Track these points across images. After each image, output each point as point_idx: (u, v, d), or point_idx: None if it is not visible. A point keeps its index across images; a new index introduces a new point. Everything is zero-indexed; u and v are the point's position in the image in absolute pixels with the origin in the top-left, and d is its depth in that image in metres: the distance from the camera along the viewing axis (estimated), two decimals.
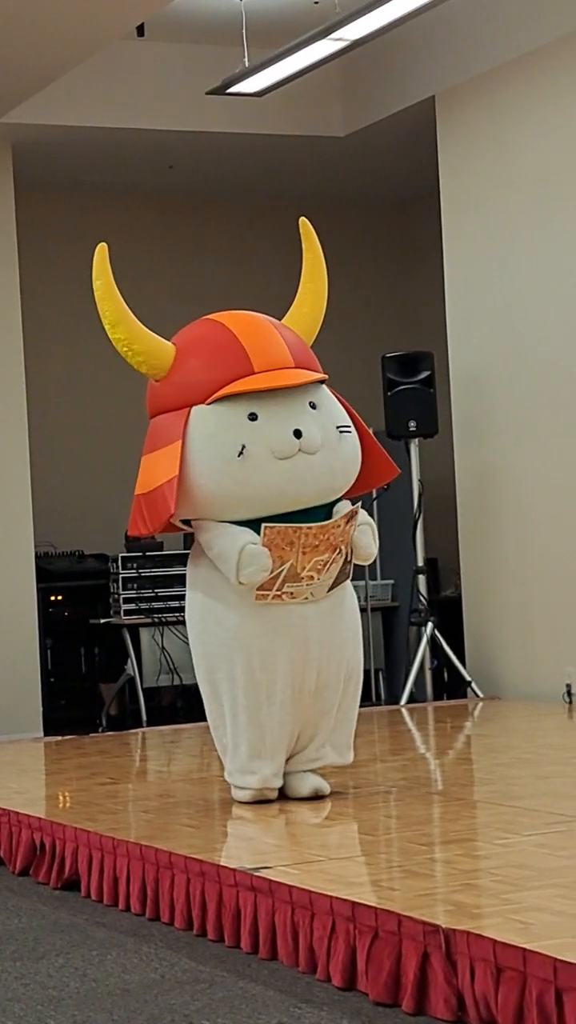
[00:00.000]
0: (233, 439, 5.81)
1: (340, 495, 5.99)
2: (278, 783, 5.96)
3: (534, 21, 9.30)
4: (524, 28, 9.37)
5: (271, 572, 5.77)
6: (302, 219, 6.55)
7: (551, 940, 3.58)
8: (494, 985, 3.55)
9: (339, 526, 5.84)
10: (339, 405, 6.08)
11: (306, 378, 5.90)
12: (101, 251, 6.29)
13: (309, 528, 5.78)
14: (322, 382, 6.04)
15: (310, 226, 6.54)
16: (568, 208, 9.17)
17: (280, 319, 6.33)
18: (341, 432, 5.92)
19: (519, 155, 9.55)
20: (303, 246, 6.52)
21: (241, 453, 5.78)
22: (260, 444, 5.78)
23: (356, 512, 5.90)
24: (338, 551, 5.85)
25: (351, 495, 6.12)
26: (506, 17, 9.49)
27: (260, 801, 5.91)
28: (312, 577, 5.83)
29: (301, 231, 6.53)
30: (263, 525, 5.77)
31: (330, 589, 5.92)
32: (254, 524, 5.80)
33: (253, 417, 5.82)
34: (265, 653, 5.87)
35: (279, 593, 5.83)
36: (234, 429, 5.82)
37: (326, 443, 5.86)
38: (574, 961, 3.36)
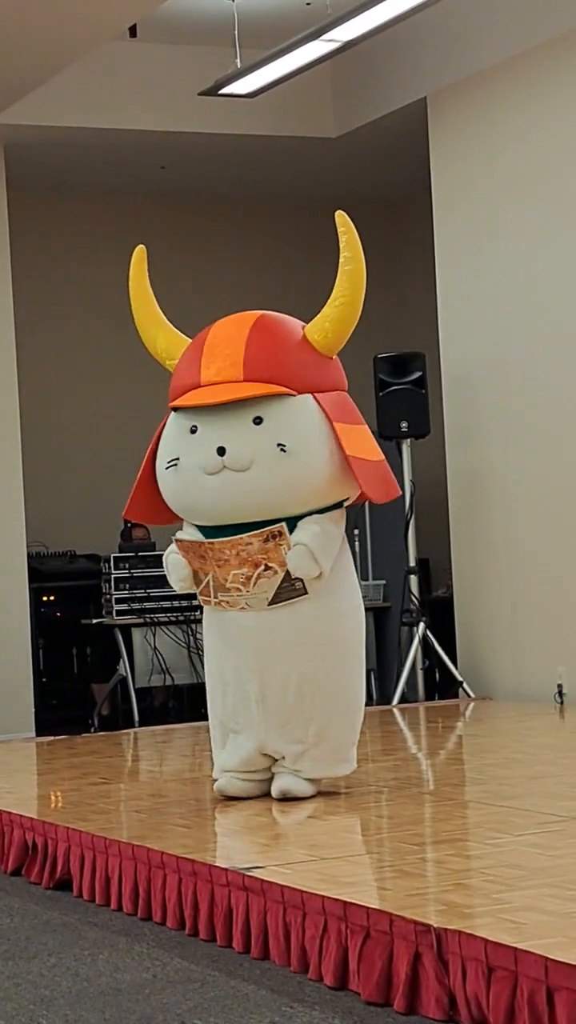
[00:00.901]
0: (171, 451, 5.98)
1: (300, 511, 5.89)
2: (237, 781, 6.07)
3: (524, 23, 9.31)
4: (514, 30, 9.39)
5: (202, 582, 5.94)
6: (339, 212, 6.59)
7: (542, 940, 3.59)
8: (486, 985, 3.56)
9: (250, 543, 5.84)
10: (299, 420, 5.89)
11: (232, 395, 5.84)
12: (139, 253, 6.51)
13: (212, 543, 5.88)
14: (288, 396, 5.91)
15: (347, 218, 6.60)
16: (559, 208, 9.18)
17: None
18: (278, 450, 5.85)
19: (510, 156, 9.56)
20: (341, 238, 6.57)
21: (172, 466, 5.95)
22: (191, 458, 5.90)
23: (277, 532, 5.85)
24: (264, 567, 5.87)
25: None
26: (497, 19, 9.51)
27: (226, 797, 6.07)
28: (239, 589, 5.90)
29: (339, 223, 6.61)
30: (174, 537, 6.06)
31: (275, 603, 5.92)
32: (209, 530, 5.95)
33: (194, 430, 5.92)
34: (217, 654, 6.14)
35: (218, 601, 5.97)
36: (175, 441, 5.99)
37: (259, 460, 5.82)
38: (565, 960, 3.37)
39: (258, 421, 5.85)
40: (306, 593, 5.92)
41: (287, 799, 5.96)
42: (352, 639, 6.13)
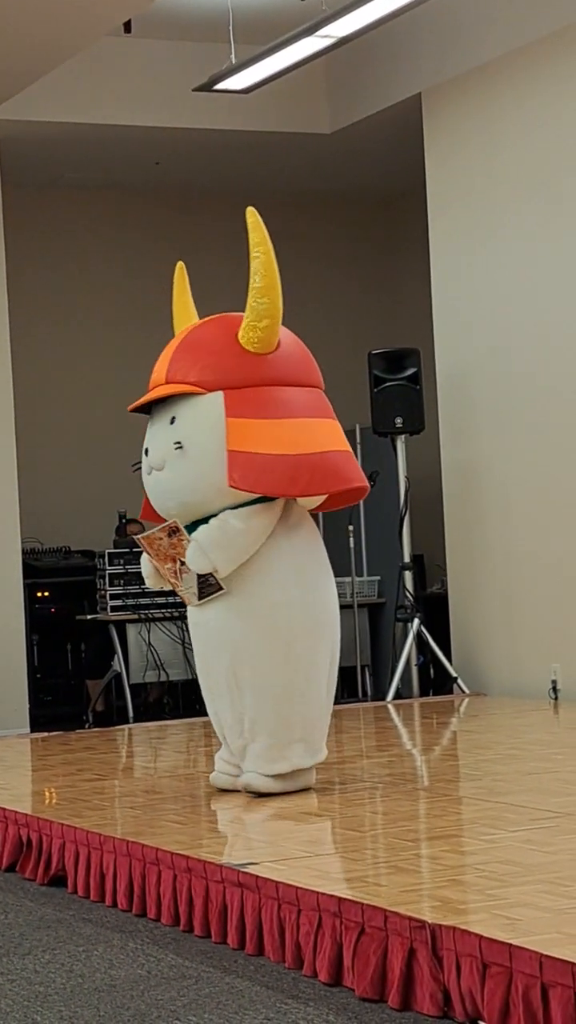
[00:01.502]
0: (140, 451, 6.26)
1: (215, 508, 5.97)
2: (221, 775, 6.21)
3: (520, 19, 9.31)
4: (510, 26, 9.38)
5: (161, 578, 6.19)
6: (249, 208, 6.51)
7: (537, 936, 3.59)
8: (480, 981, 3.56)
9: (160, 539, 6.05)
10: (201, 418, 5.98)
11: (148, 397, 6.11)
12: (180, 270, 6.64)
13: (139, 539, 6.16)
14: (200, 396, 6.02)
15: (257, 215, 6.52)
16: (554, 204, 9.18)
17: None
18: (175, 448, 5.98)
19: (505, 152, 9.56)
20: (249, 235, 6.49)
21: (135, 467, 6.30)
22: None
23: (174, 527, 6.00)
24: (180, 562, 6.02)
25: (323, 509, 6.30)
26: (492, 14, 9.50)
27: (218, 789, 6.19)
28: (175, 583, 6.10)
29: (249, 222, 6.51)
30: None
31: (202, 597, 6.04)
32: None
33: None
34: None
35: (179, 595, 6.22)
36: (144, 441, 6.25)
37: (168, 460, 6.02)
38: (560, 956, 3.38)
39: (172, 421, 6.04)
40: (222, 588, 5.99)
41: (256, 794, 5.98)
42: (284, 633, 6.00)
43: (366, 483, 6.18)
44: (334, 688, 6.19)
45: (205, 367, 6.03)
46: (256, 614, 6.01)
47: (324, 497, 6.18)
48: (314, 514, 6.48)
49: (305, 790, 6.05)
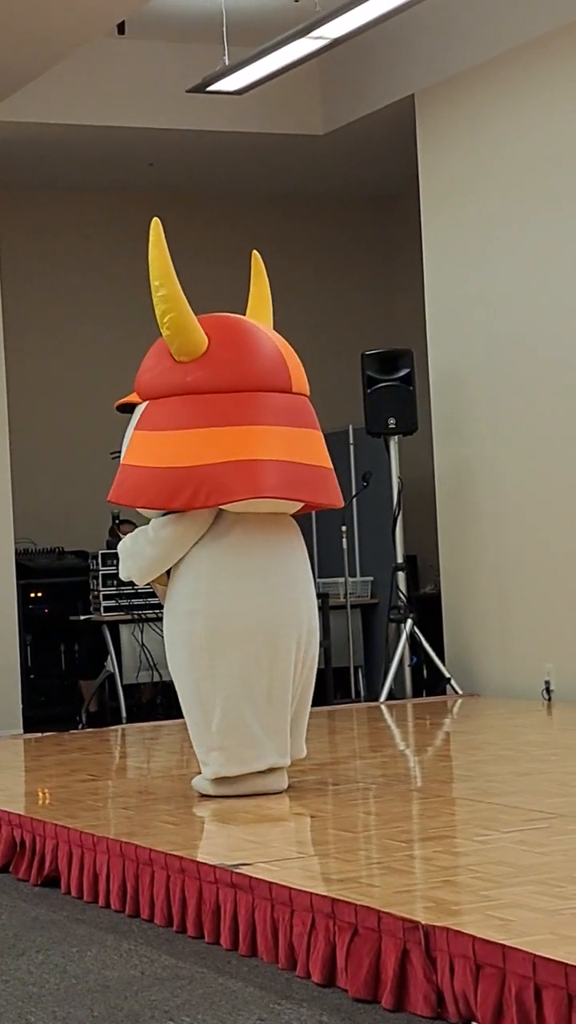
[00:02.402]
0: None
1: (149, 516, 6.14)
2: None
3: (513, 20, 9.32)
4: (503, 27, 9.39)
5: None
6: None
7: (530, 936, 3.59)
8: (473, 981, 3.56)
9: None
10: (129, 431, 6.17)
11: (116, 405, 6.40)
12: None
13: None
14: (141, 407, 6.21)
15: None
16: (547, 205, 9.19)
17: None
18: (112, 458, 6.23)
19: (498, 153, 9.57)
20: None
21: (113, 455, 6.62)
22: None
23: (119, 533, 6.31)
24: None
25: (300, 513, 6.30)
26: (484, 16, 9.51)
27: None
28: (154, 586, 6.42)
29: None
30: None
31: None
32: None
33: None
34: None
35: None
36: None
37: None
38: (553, 957, 3.38)
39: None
40: (161, 598, 6.25)
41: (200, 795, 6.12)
42: (188, 644, 6.04)
43: (267, 494, 5.96)
44: (282, 695, 6.05)
45: (143, 376, 6.21)
46: (169, 624, 6.17)
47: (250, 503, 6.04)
48: (305, 515, 6.48)
49: (263, 795, 6.02)
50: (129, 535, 6.18)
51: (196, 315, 6.13)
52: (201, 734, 6.04)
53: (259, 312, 6.49)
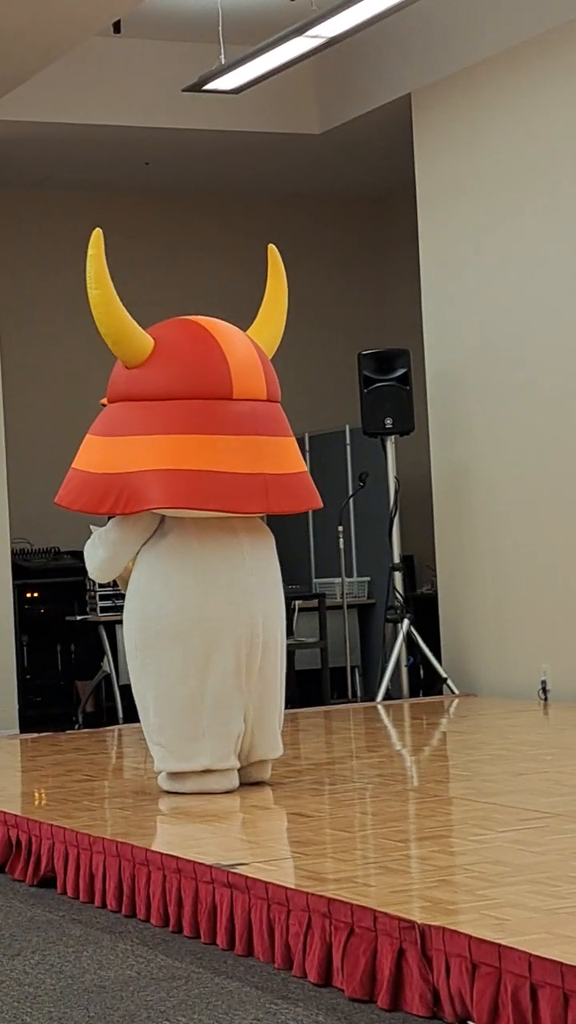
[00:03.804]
0: None
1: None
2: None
3: (509, 20, 9.32)
4: (499, 27, 9.39)
5: None
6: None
7: (526, 936, 3.59)
8: (469, 981, 3.56)
9: None
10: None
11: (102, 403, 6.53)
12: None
13: None
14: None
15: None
16: (544, 205, 9.19)
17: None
18: None
19: (494, 153, 9.56)
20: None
21: None
22: None
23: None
24: None
25: (276, 514, 6.36)
26: (481, 15, 9.51)
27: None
28: None
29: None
30: None
31: None
32: None
33: None
34: None
35: None
36: None
37: None
38: (549, 957, 3.38)
39: None
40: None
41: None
42: (132, 641, 6.24)
43: (172, 504, 6.04)
44: (221, 698, 6.08)
45: (110, 381, 6.38)
46: (126, 620, 6.34)
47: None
48: (300, 516, 6.54)
49: (209, 794, 6.08)
50: (91, 536, 6.42)
51: (209, 311, 6.24)
52: (148, 730, 6.28)
53: (271, 311, 6.59)
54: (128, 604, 6.28)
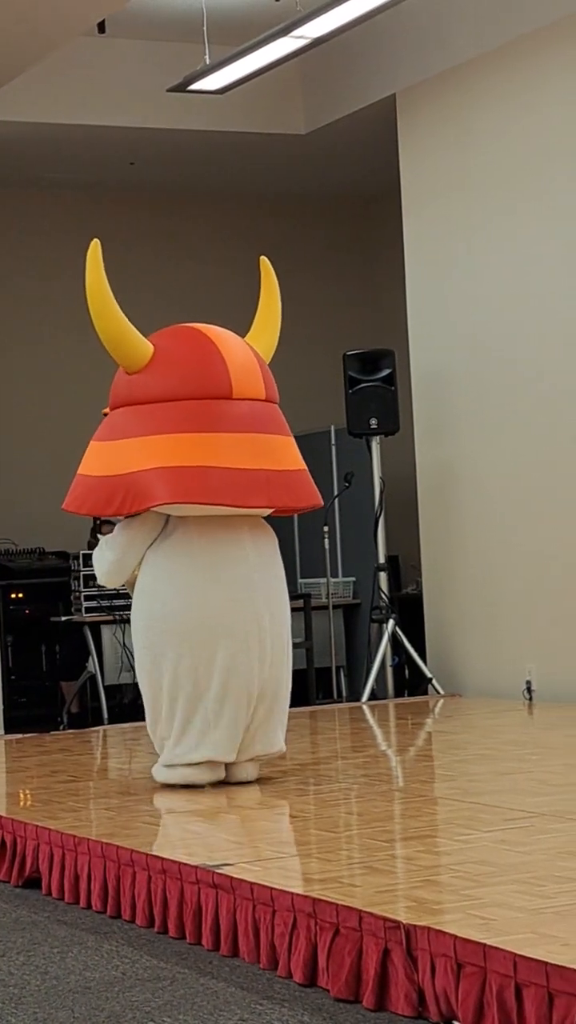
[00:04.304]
0: None
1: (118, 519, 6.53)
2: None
3: (494, 20, 9.32)
4: (483, 27, 9.40)
5: None
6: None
7: (511, 936, 3.59)
8: (455, 981, 3.56)
9: None
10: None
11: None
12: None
13: None
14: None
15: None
16: (529, 205, 9.20)
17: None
18: None
19: (479, 153, 9.57)
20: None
21: None
22: None
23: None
24: None
25: (277, 515, 6.49)
26: (466, 16, 9.51)
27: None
28: None
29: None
30: None
31: None
32: None
33: None
34: None
35: None
36: None
37: None
38: (534, 956, 3.38)
39: None
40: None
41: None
42: (138, 639, 6.38)
43: (176, 499, 6.11)
44: (229, 692, 6.18)
45: (111, 388, 6.49)
46: (132, 623, 6.49)
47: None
48: (286, 516, 6.60)
49: (194, 786, 6.26)
50: (100, 541, 6.56)
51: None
52: (150, 723, 6.41)
53: (265, 320, 6.73)
54: (135, 604, 6.39)
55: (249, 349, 6.44)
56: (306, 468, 6.54)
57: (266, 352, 6.62)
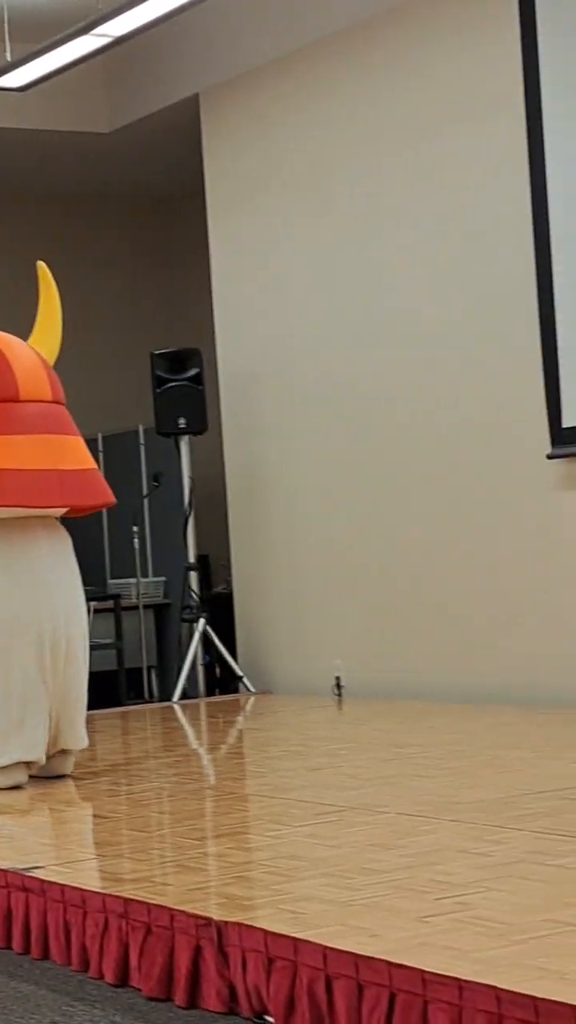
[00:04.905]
0: None
1: None
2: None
3: (296, 22, 9.38)
4: (288, 28, 9.45)
5: None
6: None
7: (321, 928, 3.62)
8: (266, 975, 3.57)
9: None
10: None
11: None
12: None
13: None
14: None
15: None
16: (333, 207, 9.27)
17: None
18: None
19: (283, 154, 9.62)
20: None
21: None
22: None
23: None
24: None
25: (69, 516, 6.51)
26: (268, 17, 9.56)
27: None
28: None
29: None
30: None
31: None
32: None
33: None
34: None
35: None
36: None
37: None
38: (344, 948, 3.41)
39: None
40: None
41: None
42: None
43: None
44: (28, 692, 6.23)
45: None
46: None
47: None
48: (91, 516, 6.66)
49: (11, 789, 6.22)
50: None
51: None
52: None
53: (45, 328, 6.75)
54: None
55: (33, 352, 6.50)
56: (96, 467, 6.64)
57: (50, 355, 6.68)
